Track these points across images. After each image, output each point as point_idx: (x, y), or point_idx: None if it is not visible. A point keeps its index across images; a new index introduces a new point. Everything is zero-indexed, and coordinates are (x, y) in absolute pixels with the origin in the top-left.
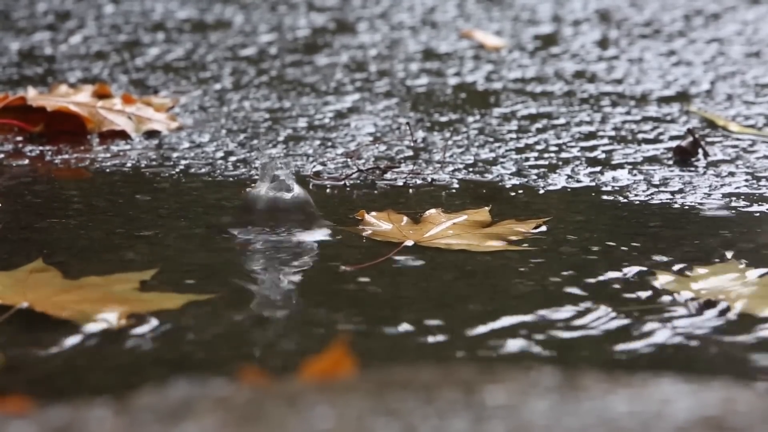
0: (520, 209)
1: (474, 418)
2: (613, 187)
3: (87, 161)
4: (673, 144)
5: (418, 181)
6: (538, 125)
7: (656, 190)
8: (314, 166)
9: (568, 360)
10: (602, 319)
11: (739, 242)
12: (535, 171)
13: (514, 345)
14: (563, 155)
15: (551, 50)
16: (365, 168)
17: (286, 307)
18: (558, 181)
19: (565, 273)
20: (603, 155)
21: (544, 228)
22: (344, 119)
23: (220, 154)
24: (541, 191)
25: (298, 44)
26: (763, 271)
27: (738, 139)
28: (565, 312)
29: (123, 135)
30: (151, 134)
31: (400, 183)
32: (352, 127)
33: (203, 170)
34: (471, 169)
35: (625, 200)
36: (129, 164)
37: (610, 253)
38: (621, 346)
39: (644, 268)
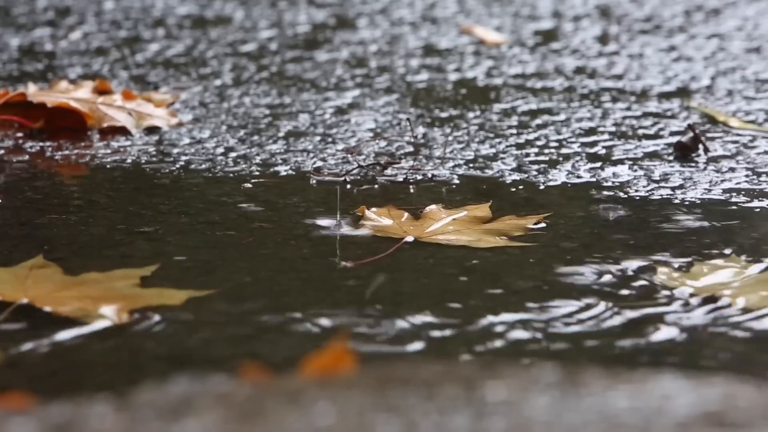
0: (521, 205)
1: (475, 414)
2: (613, 182)
3: (87, 157)
4: (674, 140)
5: (419, 177)
6: (539, 121)
7: (656, 185)
8: (314, 162)
9: (569, 356)
10: (602, 314)
11: (739, 238)
12: (536, 167)
13: (514, 341)
14: (563, 151)
15: (551, 46)
16: (365, 164)
17: (286, 303)
18: (558, 176)
19: (565, 269)
20: (603, 151)
21: (544, 224)
22: (344, 115)
23: (220, 150)
24: (542, 187)
25: (298, 40)
26: (763, 266)
27: (738, 135)
28: (566, 308)
29: (123, 131)
30: (151, 130)
31: (400, 179)
32: (353, 123)
33: (203, 166)
34: (471, 165)
35: (626, 196)
36: (129, 160)
37: (610, 249)
38: (621, 342)
39: (645, 264)
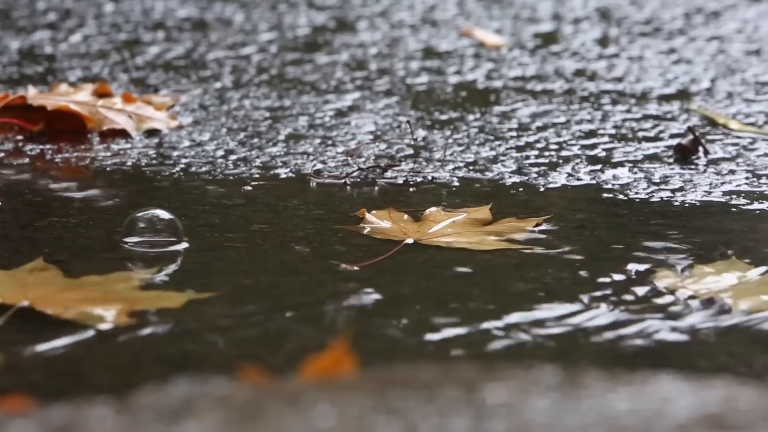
0: (521, 207)
1: (475, 416)
2: (613, 185)
3: (87, 160)
4: (674, 142)
5: (419, 180)
6: (539, 123)
7: (657, 188)
8: (315, 165)
9: (569, 358)
10: (603, 317)
11: (739, 240)
12: (536, 169)
13: (514, 343)
14: (563, 153)
15: (551, 48)
16: (366, 166)
17: (286, 305)
18: (558, 179)
19: (565, 271)
20: (603, 153)
21: (544, 226)
22: (344, 118)
23: (220, 152)
24: (542, 189)
25: (298, 43)
26: (763, 268)
27: (738, 137)
28: (566, 310)
29: (123, 134)
30: (151, 133)
31: (400, 181)
32: (353, 126)
33: (203, 169)
34: (471, 168)
35: (626, 198)
36: (129, 163)
37: (610, 252)
38: (622, 344)
39: (645, 266)
